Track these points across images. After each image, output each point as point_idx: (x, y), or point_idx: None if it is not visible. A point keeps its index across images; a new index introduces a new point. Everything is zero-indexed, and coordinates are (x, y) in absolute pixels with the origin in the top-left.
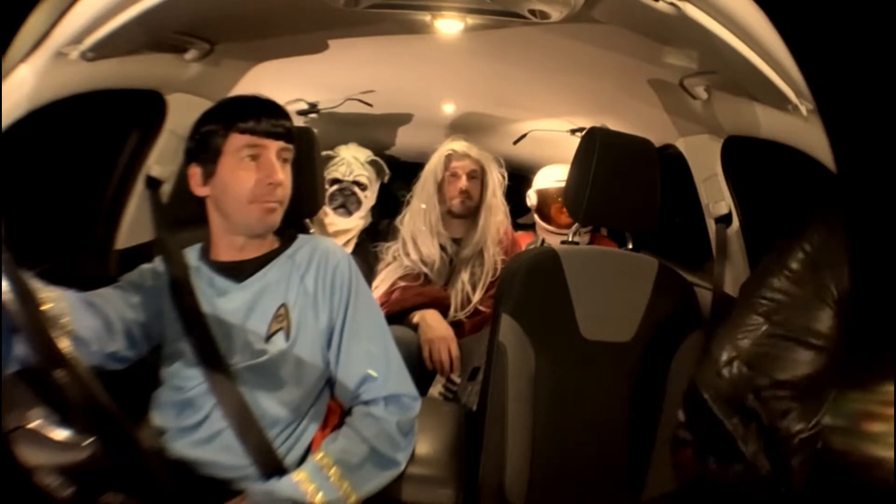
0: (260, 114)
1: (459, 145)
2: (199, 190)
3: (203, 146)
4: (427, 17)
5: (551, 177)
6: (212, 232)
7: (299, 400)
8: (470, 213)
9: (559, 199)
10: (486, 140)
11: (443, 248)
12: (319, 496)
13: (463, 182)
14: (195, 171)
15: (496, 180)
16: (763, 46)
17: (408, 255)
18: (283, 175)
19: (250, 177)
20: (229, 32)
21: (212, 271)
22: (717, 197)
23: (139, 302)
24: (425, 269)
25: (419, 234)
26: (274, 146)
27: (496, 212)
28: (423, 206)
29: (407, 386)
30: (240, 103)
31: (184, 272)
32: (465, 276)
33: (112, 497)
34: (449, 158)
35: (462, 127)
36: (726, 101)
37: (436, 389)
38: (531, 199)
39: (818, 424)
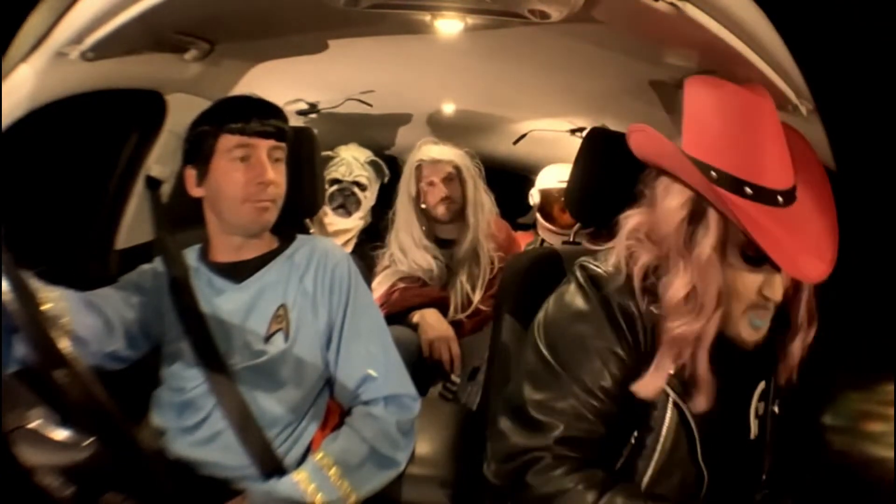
0: (250, 114)
1: (426, 152)
2: (195, 191)
3: (196, 148)
4: (427, 17)
5: (554, 176)
6: (209, 233)
7: (299, 400)
8: (457, 215)
9: (562, 199)
10: (486, 140)
11: (435, 257)
12: (319, 496)
13: (441, 189)
14: (190, 173)
15: (474, 175)
16: (763, 46)
17: (403, 264)
18: (275, 174)
19: (241, 177)
20: (229, 32)
21: (210, 272)
22: None
23: (139, 302)
24: (423, 277)
25: (408, 250)
26: (264, 145)
27: (483, 206)
28: (405, 223)
29: (407, 386)
30: (230, 104)
31: (183, 272)
32: (462, 276)
33: (112, 497)
34: (419, 169)
35: (462, 127)
36: None
37: (436, 389)
38: (534, 197)
39: None
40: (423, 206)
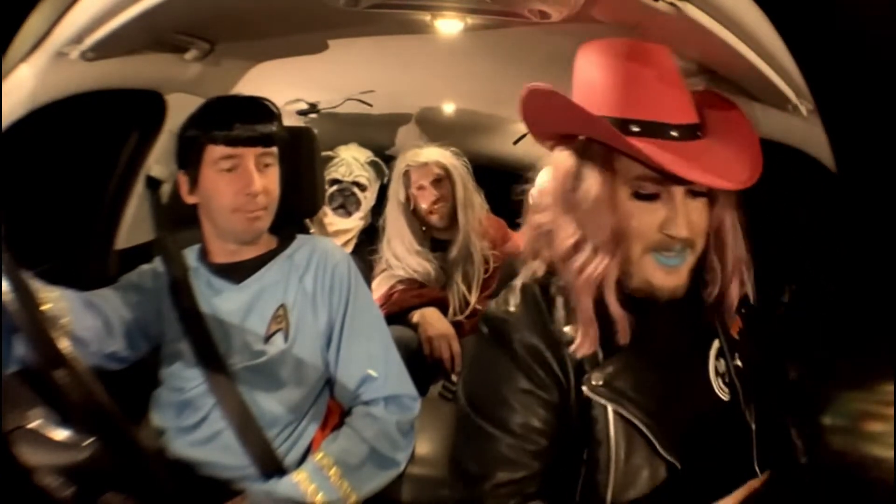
0: (234, 120)
1: (413, 157)
2: (188, 198)
3: (185, 155)
4: (427, 17)
5: None
6: (205, 236)
7: (299, 400)
8: (450, 217)
9: None
10: (486, 140)
11: (429, 260)
12: (319, 496)
13: (431, 192)
14: (183, 180)
15: (463, 174)
16: (763, 46)
17: (399, 269)
18: (264, 182)
19: (229, 188)
20: (229, 32)
21: (210, 272)
22: None
23: (138, 302)
24: (421, 280)
25: (402, 256)
26: (251, 153)
27: (473, 204)
28: (396, 230)
29: (407, 386)
30: (215, 108)
31: (183, 273)
32: (458, 277)
33: (112, 497)
34: (407, 175)
35: (462, 127)
36: None
37: (436, 389)
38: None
39: None
40: (420, 207)
